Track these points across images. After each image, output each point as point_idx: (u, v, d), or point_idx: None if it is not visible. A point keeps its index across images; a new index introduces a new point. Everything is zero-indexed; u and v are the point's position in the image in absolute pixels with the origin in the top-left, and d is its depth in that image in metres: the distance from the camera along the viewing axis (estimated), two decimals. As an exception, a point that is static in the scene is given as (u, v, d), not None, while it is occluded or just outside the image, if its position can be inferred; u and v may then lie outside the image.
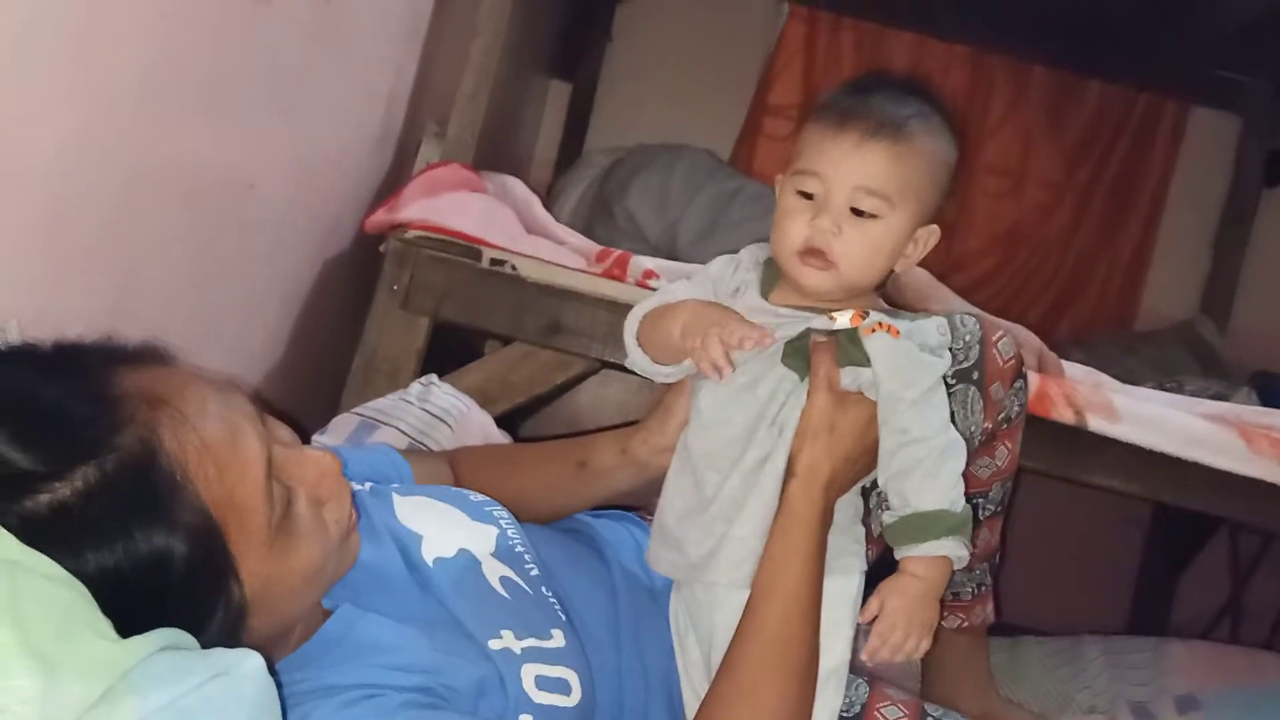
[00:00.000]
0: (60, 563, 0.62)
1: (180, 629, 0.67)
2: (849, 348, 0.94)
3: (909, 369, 0.92)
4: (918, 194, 0.93)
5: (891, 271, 0.96)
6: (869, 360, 0.92)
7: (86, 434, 0.67)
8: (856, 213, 0.92)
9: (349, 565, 0.86)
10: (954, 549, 0.90)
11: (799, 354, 0.95)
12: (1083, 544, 2.66)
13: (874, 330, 0.92)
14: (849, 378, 0.94)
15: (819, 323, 0.94)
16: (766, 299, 0.98)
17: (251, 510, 0.73)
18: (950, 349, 0.98)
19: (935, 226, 0.97)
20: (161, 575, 0.67)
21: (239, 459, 0.73)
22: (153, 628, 0.63)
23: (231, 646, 0.71)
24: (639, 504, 1.16)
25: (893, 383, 0.91)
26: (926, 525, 0.90)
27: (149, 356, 0.77)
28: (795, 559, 0.91)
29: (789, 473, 0.93)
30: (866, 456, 0.95)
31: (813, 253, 0.93)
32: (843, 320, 0.93)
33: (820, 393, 0.93)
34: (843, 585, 0.96)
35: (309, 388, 1.55)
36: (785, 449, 0.94)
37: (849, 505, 0.99)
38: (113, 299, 1.00)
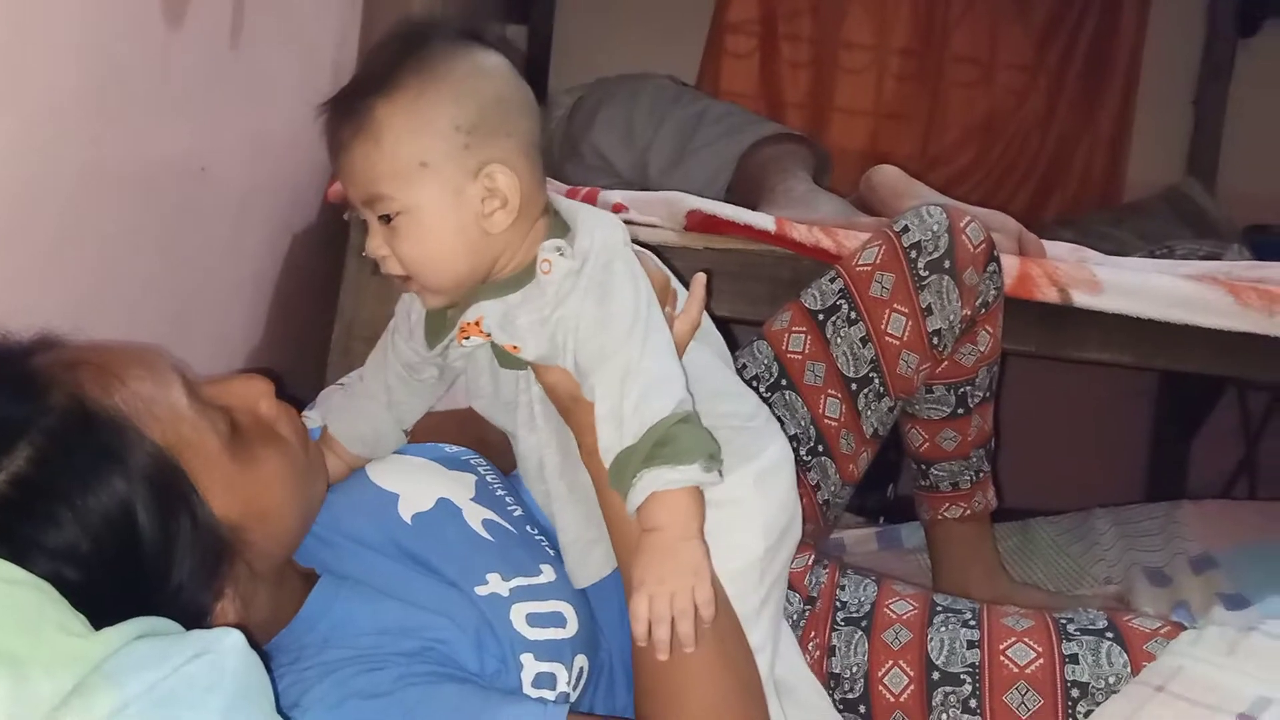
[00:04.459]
0: (36, 539, 0.64)
1: (164, 583, 0.68)
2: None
3: (543, 345, 0.82)
4: (421, 162, 0.79)
5: (490, 234, 0.82)
6: None
7: (14, 409, 0.68)
8: (386, 219, 0.81)
9: (322, 484, 0.87)
10: (653, 483, 0.77)
11: (510, 356, 0.85)
12: (1095, 422, 2.66)
13: (486, 338, 0.84)
14: None
15: (456, 353, 0.87)
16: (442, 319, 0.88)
17: (196, 434, 0.74)
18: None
19: (493, 166, 0.81)
20: (130, 527, 0.68)
21: (163, 392, 0.75)
22: (134, 590, 0.64)
23: (219, 589, 0.73)
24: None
25: (547, 360, 0.83)
26: (618, 475, 0.79)
27: (46, 342, 0.77)
28: (621, 523, 0.83)
29: (586, 453, 0.85)
30: None
31: (400, 278, 0.84)
32: (472, 341, 0.85)
33: (545, 374, 0.85)
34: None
35: (293, 364, 1.55)
36: (553, 444, 0.88)
37: None
38: (80, 297, 1.00)
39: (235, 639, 0.60)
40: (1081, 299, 1.42)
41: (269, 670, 0.64)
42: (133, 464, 0.69)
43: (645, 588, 0.77)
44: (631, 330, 0.80)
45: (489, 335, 0.84)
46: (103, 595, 0.64)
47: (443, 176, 0.80)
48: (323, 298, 1.60)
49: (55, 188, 0.93)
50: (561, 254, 0.82)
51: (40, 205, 0.91)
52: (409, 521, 0.90)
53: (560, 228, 0.86)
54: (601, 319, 0.81)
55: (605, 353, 0.80)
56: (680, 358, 0.89)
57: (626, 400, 0.78)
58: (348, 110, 0.81)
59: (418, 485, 0.94)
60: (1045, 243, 1.62)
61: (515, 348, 0.83)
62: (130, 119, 1.05)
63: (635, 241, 0.90)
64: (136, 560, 0.68)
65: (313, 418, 1.26)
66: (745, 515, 0.90)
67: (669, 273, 0.91)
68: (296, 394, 1.14)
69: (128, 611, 0.62)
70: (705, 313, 0.94)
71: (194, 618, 0.69)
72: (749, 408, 0.96)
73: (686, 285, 0.93)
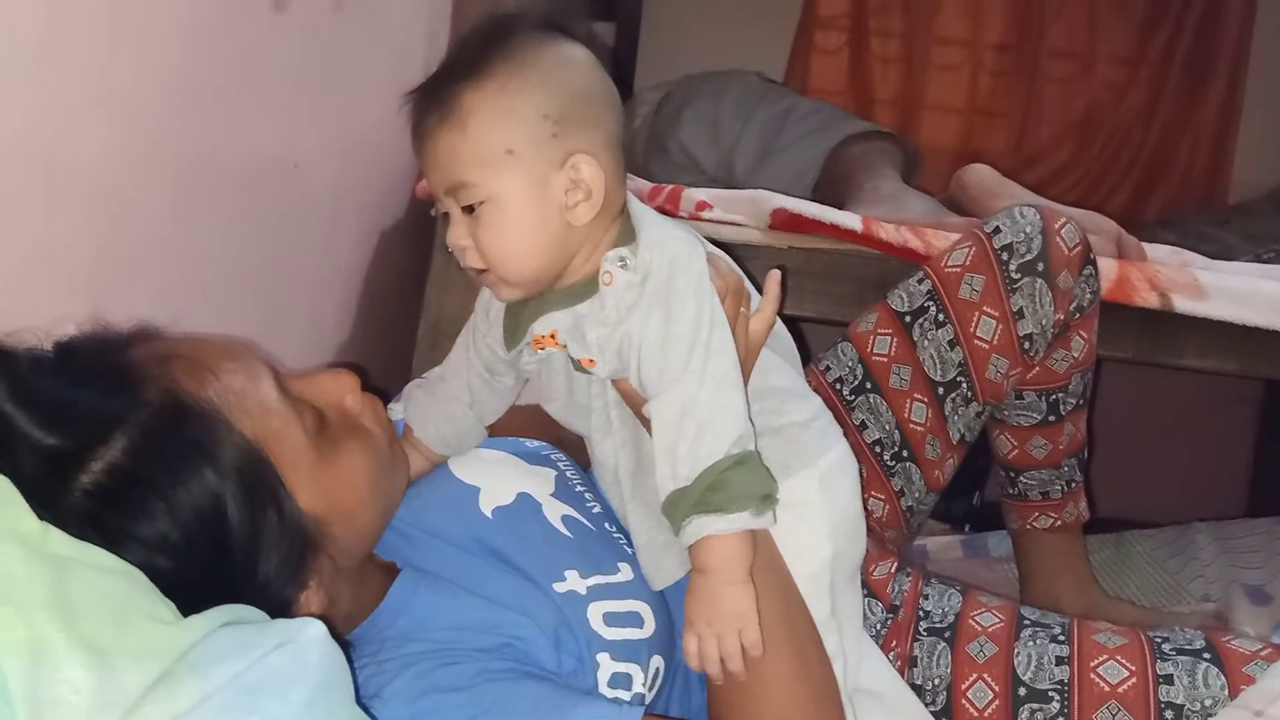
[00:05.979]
0: (130, 529, 0.66)
1: (251, 576, 0.69)
2: None
3: (613, 360, 0.82)
4: (507, 149, 0.79)
5: (572, 227, 0.81)
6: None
7: (111, 401, 0.69)
8: (469, 210, 0.81)
9: (403, 479, 0.88)
10: (701, 529, 0.77)
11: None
12: (1196, 430, 2.57)
13: (561, 348, 0.84)
14: None
15: (530, 359, 0.87)
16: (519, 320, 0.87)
17: (284, 428, 0.76)
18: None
19: (579, 156, 0.80)
20: (220, 519, 0.70)
21: (254, 386, 0.76)
22: (221, 581, 0.66)
23: (303, 582, 0.74)
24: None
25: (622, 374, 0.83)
26: (670, 513, 0.79)
27: (144, 334, 0.79)
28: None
29: None
30: None
31: (477, 271, 0.83)
32: (548, 350, 0.85)
33: (620, 381, 0.85)
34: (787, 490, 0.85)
35: (382, 358, 1.58)
36: (629, 448, 0.87)
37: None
38: (177, 294, 1.02)
39: (317, 629, 0.61)
40: (1183, 304, 1.37)
41: (350, 662, 0.65)
42: (223, 457, 0.71)
43: (694, 628, 0.78)
44: (691, 355, 0.79)
45: (564, 346, 0.84)
46: (191, 586, 0.66)
47: (528, 165, 0.80)
48: (410, 293, 1.62)
49: (149, 185, 0.96)
50: (624, 265, 0.81)
51: (135, 202, 0.94)
52: (489, 515, 0.91)
53: (629, 234, 0.84)
54: (662, 340, 0.79)
55: (664, 381, 0.79)
56: (756, 358, 0.88)
57: (682, 439, 0.78)
58: (434, 97, 0.80)
59: (499, 479, 0.94)
60: (1145, 245, 1.57)
61: (592, 361, 0.83)
62: (225, 117, 1.08)
63: (711, 241, 0.89)
64: (225, 551, 0.70)
65: (396, 410, 1.28)
66: (812, 518, 0.90)
67: (741, 274, 0.90)
68: (384, 388, 1.16)
69: (215, 603, 0.63)
70: None
71: (279, 609, 0.71)
72: (812, 409, 0.94)
73: (761, 288, 0.92)
